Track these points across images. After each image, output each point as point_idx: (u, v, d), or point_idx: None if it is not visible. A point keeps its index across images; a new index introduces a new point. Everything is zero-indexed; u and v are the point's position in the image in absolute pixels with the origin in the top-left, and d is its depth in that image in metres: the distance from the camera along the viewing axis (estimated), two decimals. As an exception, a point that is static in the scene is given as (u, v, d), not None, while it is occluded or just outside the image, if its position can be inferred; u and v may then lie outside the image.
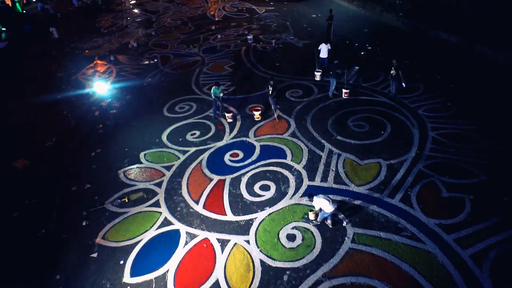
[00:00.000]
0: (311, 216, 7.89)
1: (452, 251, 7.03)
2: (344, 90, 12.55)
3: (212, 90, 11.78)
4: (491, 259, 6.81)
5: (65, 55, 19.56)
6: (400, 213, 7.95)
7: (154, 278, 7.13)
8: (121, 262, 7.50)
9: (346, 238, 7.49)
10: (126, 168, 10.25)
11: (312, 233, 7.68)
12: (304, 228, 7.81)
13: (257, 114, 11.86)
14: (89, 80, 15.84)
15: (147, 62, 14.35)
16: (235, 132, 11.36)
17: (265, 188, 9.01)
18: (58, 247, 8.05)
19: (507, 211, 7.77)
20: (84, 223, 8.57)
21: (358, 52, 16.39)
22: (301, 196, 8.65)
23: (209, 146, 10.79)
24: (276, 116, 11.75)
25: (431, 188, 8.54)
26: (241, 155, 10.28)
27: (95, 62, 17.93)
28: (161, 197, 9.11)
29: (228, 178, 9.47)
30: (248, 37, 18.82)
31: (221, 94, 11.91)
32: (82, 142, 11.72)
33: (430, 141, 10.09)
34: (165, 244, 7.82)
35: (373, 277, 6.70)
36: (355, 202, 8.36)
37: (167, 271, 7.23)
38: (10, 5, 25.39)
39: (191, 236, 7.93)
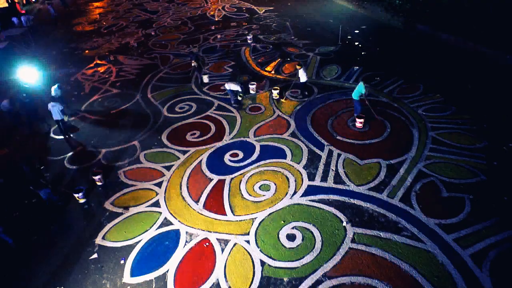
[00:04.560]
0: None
1: (452, 250, 7.04)
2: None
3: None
4: (491, 259, 6.81)
5: (64, 55, 19.57)
6: (400, 213, 7.95)
7: (154, 278, 7.14)
8: (122, 261, 7.50)
9: (346, 238, 7.51)
10: (126, 169, 10.26)
11: (312, 233, 7.68)
12: (304, 228, 7.82)
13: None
14: (89, 80, 15.90)
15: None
16: (234, 132, 11.39)
17: (265, 188, 9.02)
18: (58, 247, 8.05)
19: (507, 211, 7.78)
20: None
21: (358, 52, 16.39)
22: (301, 196, 8.67)
23: (209, 146, 10.79)
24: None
25: (431, 188, 8.54)
26: (241, 155, 10.29)
27: (95, 62, 17.95)
28: (161, 197, 9.11)
29: (228, 178, 9.48)
30: (248, 37, 18.83)
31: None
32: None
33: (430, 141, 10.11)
34: (165, 244, 7.82)
35: (373, 277, 6.70)
36: (355, 202, 8.36)
37: (167, 271, 7.23)
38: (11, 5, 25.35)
39: (191, 236, 7.94)
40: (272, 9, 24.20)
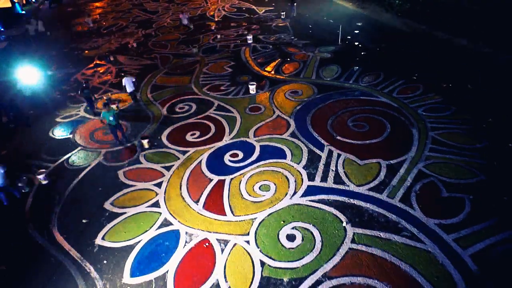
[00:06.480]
0: None
1: (452, 251, 7.03)
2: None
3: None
4: (491, 259, 6.80)
5: (65, 55, 19.58)
6: (400, 213, 7.95)
7: (154, 278, 7.13)
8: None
9: (346, 238, 7.50)
10: (126, 169, 10.25)
11: (312, 233, 7.68)
12: (304, 228, 7.81)
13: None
14: (89, 81, 15.90)
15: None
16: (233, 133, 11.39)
17: (265, 188, 9.02)
18: (58, 247, 8.06)
19: (507, 211, 7.77)
20: (84, 221, 8.62)
21: (358, 52, 16.39)
22: (301, 197, 8.67)
23: (209, 146, 10.79)
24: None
25: (431, 188, 8.54)
26: (241, 155, 10.28)
27: (94, 62, 17.95)
28: (161, 197, 9.10)
29: (228, 178, 9.48)
30: (248, 37, 18.83)
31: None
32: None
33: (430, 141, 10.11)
34: (165, 244, 7.82)
35: (373, 277, 6.70)
36: (355, 202, 8.36)
37: (167, 271, 7.23)
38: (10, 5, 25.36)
39: (191, 237, 7.93)
40: (272, 9, 24.20)
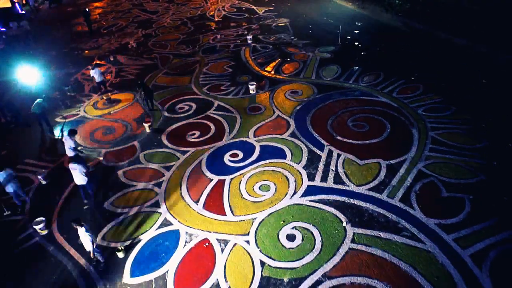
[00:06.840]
0: None
1: (451, 251, 7.04)
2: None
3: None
4: (491, 259, 6.81)
5: (64, 55, 19.56)
6: (400, 213, 7.95)
7: (154, 278, 7.14)
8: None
9: (346, 238, 7.50)
10: (126, 169, 10.25)
11: (312, 233, 7.68)
12: (304, 228, 7.81)
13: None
14: (88, 81, 15.89)
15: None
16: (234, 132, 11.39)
17: (265, 188, 9.02)
18: (58, 247, 8.06)
19: (507, 211, 7.77)
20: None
21: (358, 52, 16.39)
22: (301, 196, 8.67)
23: (209, 146, 10.79)
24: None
25: (431, 188, 8.54)
26: (240, 155, 10.28)
27: (94, 62, 17.94)
28: (161, 197, 9.11)
29: (227, 178, 9.47)
30: (248, 37, 18.83)
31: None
32: (82, 143, 11.72)
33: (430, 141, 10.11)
34: (165, 244, 7.82)
35: (373, 277, 6.70)
36: (355, 202, 8.36)
37: (167, 271, 7.23)
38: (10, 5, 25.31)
39: (191, 236, 7.94)
40: (272, 9, 24.19)
